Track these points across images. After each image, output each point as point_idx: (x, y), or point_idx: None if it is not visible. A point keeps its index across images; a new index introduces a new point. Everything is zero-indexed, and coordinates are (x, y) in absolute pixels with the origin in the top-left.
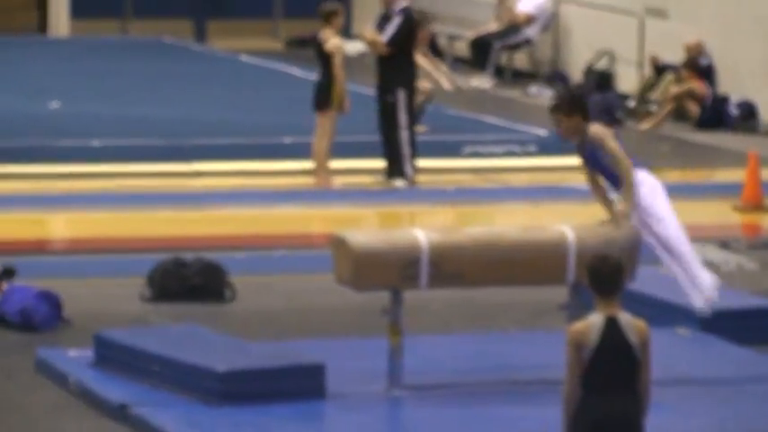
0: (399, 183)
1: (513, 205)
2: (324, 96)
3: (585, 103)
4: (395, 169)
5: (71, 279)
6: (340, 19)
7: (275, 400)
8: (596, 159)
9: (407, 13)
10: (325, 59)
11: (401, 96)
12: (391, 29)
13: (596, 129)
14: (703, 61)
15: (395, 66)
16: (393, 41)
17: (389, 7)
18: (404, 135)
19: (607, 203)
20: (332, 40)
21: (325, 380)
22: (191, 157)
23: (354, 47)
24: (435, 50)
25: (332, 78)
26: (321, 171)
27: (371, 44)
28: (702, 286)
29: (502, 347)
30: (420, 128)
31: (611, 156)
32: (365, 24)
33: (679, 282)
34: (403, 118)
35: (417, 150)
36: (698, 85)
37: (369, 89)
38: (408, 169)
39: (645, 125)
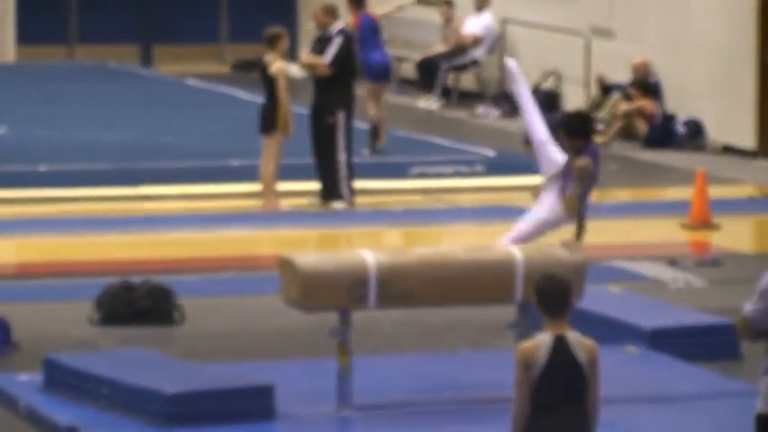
0: (338, 204)
1: (461, 225)
2: (269, 119)
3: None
4: (332, 191)
5: (19, 303)
6: (284, 42)
7: (224, 422)
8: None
9: (346, 34)
10: (269, 83)
11: (341, 118)
12: (333, 49)
13: (582, 165)
14: (651, 80)
15: (334, 87)
16: (335, 62)
17: (326, 29)
18: (341, 157)
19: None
20: (275, 64)
21: (275, 401)
22: (138, 181)
23: (298, 70)
24: None
25: (276, 101)
26: (268, 193)
27: (310, 67)
28: None
29: (451, 367)
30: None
31: (574, 195)
32: (305, 48)
33: None
34: (341, 140)
35: (355, 172)
36: (647, 104)
37: None
38: (345, 191)
39: (598, 139)
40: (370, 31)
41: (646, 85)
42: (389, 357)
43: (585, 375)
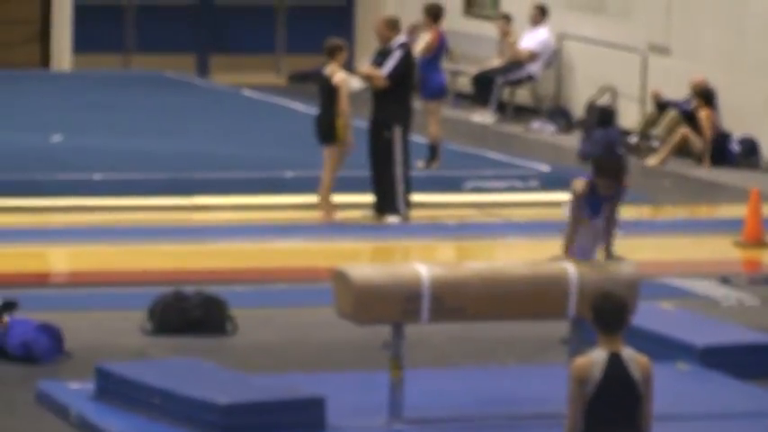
0: (392, 219)
1: (514, 240)
2: (330, 130)
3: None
4: (387, 205)
5: (72, 312)
6: (344, 54)
7: None
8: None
9: (407, 49)
10: (329, 93)
11: (398, 132)
12: (392, 62)
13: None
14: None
15: (392, 101)
16: (393, 75)
17: (387, 43)
18: (398, 171)
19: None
20: (339, 74)
21: (326, 413)
22: (192, 191)
23: (356, 82)
24: None
25: (335, 112)
26: (324, 204)
27: (369, 78)
28: None
29: (503, 382)
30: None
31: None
32: (362, 60)
33: None
34: (398, 154)
35: (412, 186)
36: (708, 113)
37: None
38: (401, 205)
39: (652, 161)
40: (442, 50)
41: (707, 93)
42: (441, 371)
43: (639, 393)
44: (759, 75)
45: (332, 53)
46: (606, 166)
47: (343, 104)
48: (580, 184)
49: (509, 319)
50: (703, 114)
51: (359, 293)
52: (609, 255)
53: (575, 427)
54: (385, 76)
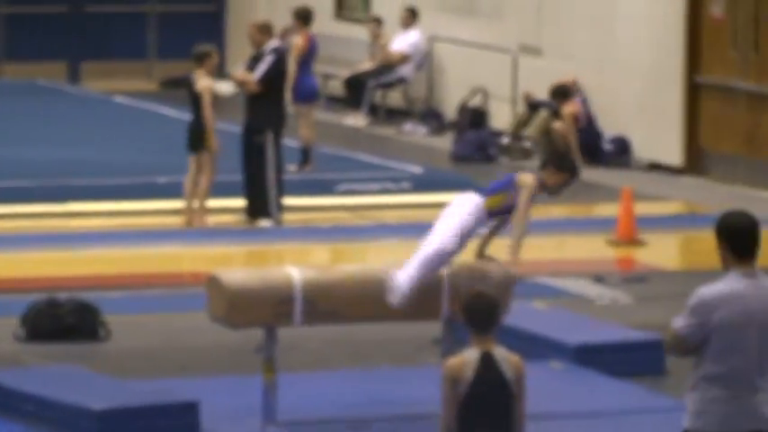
0: (265, 223)
1: (387, 242)
2: (197, 137)
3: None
4: (260, 209)
5: None
6: (213, 60)
7: None
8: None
9: (280, 53)
10: (196, 100)
11: (270, 136)
12: (263, 67)
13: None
14: (578, 98)
15: (265, 105)
16: (264, 80)
17: (260, 47)
18: (271, 175)
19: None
20: (202, 81)
21: (200, 417)
22: (64, 198)
23: (228, 87)
24: None
25: (203, 119)
26: (197, 210)
27: (241, 83)
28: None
29: (377, 383)
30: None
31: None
32: (236, 65)
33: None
34: (271, 158)
35: (284, 190)
36: (573, 108)
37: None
38: (273, 209)
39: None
40: (313, 53)
41: (563, 91)
42: (316, 374)
43: (512, 392)
44: (629, 75)
45: (200, 60)
46: (569, 161)
47: (207, 111)
48: (531, 178)
49: (382, 321)
50: (565, 111)
51: (231, 297)
52: (482, 254)
53: (449, 427)
54: (256, 80)
